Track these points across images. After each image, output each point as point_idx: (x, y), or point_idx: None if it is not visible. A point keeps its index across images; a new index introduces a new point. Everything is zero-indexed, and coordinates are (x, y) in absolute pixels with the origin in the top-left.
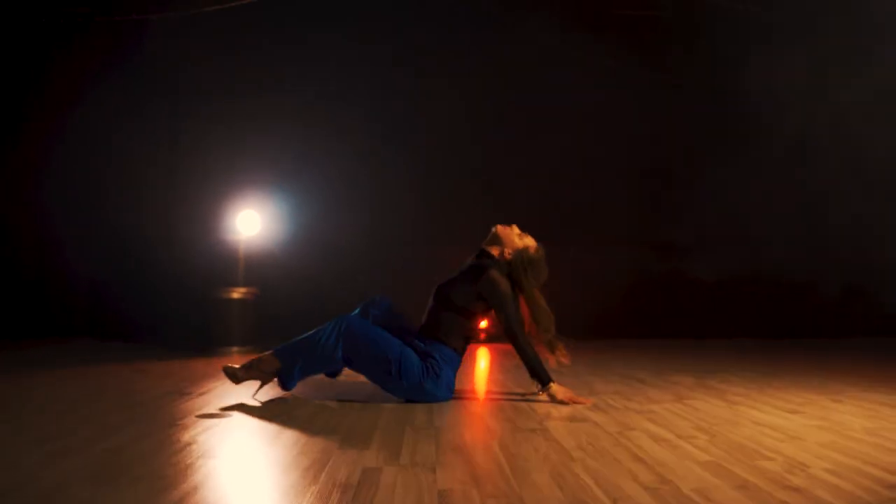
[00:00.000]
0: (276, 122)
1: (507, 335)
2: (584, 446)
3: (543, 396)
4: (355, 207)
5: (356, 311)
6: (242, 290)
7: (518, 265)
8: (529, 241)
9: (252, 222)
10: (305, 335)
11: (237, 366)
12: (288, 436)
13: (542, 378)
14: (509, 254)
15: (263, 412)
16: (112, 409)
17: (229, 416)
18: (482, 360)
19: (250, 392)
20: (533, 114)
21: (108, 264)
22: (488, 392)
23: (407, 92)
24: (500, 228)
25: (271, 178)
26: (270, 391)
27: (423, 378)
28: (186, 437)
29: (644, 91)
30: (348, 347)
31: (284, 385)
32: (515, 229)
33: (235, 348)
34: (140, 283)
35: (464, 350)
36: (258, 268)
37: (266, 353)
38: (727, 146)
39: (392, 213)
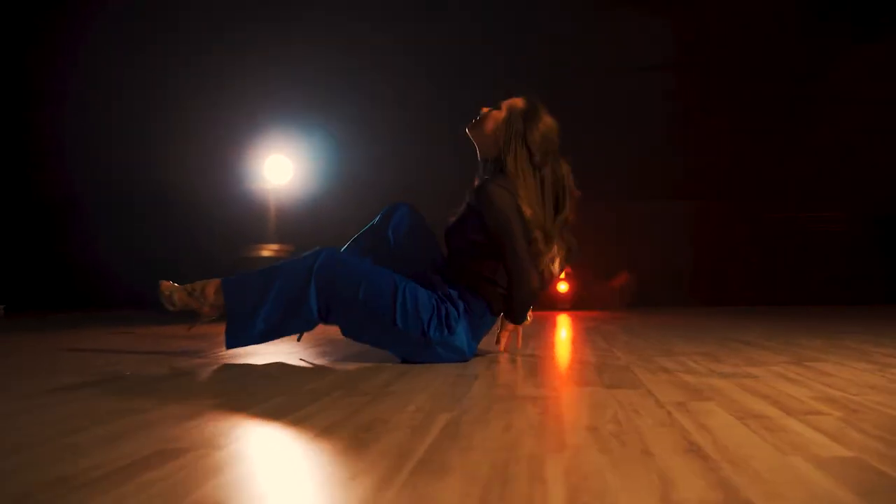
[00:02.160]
0: (309, 53)
1: (511, 271)
2: (600, 426)
3: None
4: (402, 152)
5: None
6: (274, 247)
7: (513, 131)
8: (513, 100)
9: (283, 169)
10: (266, 267)
11: (178, 285)
12: (166, 414)
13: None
14: (500, 131)
15: (166, 368)
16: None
17: (122, 375)
18: (563, 330)
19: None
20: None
21: (118, 219)
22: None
23: (459, 31)
24: (469, 128)
25: (304, 119)
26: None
27: (428, 325)
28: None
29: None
30: (324, 287)
31: (232, 337)
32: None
33: None
34: (154, 242)
35: (501, 307)
36: (291, 222)
37: (211, 280)
38: (858, 69)
39: (445, 156)
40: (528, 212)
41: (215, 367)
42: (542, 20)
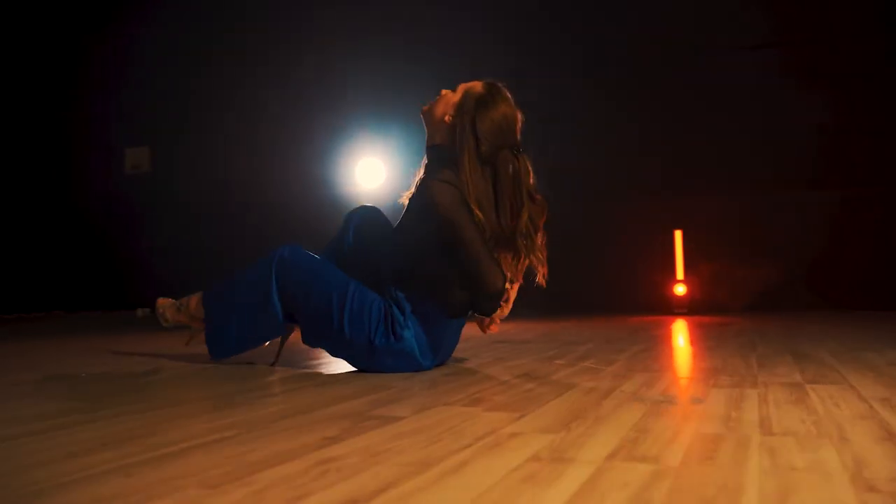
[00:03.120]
0: (400, 53)
1: (469, 274)
2: (340, 458)
3: None
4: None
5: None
6: None
7: (464, 118)
8: (473, 83)
9: (375, 173)
10: (239, 271)
11: (171, 301)
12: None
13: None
14: (449, 116)
15: (126, 370)
16: None
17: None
18: (679, 336)
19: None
20: None
21: (212, 224)
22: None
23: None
24: (422, 110)
25: (398, 117)
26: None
27: (373, 331)
28: None
29: None
30: (283, 287)
31: (212, 348)
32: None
33: None
34: (246, 248)
35: (460, 310)
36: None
37: (197, 293)
38: None
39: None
40: (478, 214)
41: (175, 370)
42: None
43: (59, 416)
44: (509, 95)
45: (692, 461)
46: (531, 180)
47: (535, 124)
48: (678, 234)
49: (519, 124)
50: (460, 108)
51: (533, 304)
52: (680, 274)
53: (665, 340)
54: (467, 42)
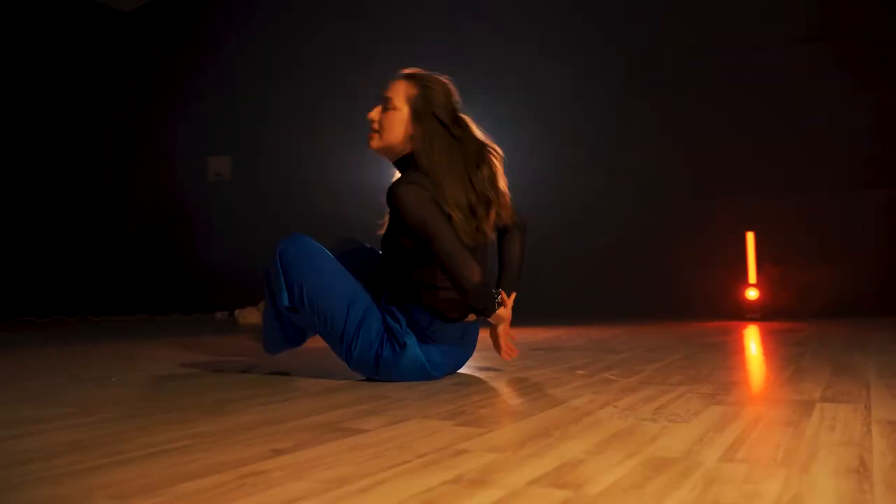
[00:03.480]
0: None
1: (447, 272)
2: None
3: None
4: (540, 157)
5: None
6: None
7: (424, 119)
8: (406, 89)
9: None
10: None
11: (250, 308)
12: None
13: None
14: (409, 130)
15: (148, 376)
16: None
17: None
18: (730, 345)
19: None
20: None
21: (269, 232)
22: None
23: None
24: (372, 143)
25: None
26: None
27: (380, 345)
28: None
29: None
30: (290, 282)
31: (265, 345)
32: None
33: None
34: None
35: (454, 312)
36: None
37: None
38: None
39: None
40: (455, 214)
41: (206, 375)
42: None
43: (45, 422)
44: (424, 71)
45: (617, 489)
46: (478, 131)
47: (603, 125)
48: (750, 237)
49: (451, 85)
50: (416, 115)
51: (602, 308)
52: (752, 277)
53: (711, 349)
54: (531, 44)
